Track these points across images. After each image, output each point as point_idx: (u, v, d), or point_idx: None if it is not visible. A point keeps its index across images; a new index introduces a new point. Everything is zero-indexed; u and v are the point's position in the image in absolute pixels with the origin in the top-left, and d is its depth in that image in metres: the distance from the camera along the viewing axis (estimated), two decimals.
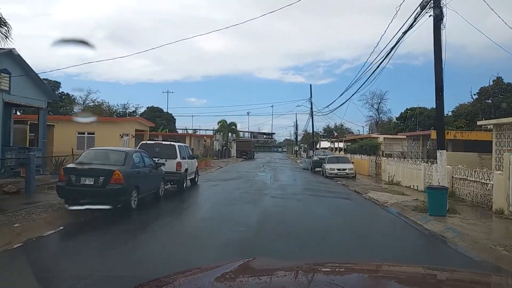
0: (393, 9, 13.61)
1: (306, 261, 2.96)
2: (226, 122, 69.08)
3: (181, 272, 2.04)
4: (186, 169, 16.15)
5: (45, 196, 12.25)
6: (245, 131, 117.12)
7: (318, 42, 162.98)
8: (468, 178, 14.40)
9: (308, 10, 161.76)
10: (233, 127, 71.32)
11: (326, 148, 50.35)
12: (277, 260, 3.35)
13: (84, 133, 28.36)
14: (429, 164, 18.33)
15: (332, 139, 58.69)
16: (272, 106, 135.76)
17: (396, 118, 60.31)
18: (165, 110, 64.02)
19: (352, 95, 31.91)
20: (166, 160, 15.09)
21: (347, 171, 25.15)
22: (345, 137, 54.95)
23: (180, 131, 61.54)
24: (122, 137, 29.03)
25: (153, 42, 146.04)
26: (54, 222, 9.02)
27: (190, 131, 67.31)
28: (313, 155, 33.46)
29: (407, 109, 57.47)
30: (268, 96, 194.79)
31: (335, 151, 47.78)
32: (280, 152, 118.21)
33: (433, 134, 25.75)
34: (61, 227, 8.59)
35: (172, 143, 15.77)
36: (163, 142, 15.71)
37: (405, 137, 33.98)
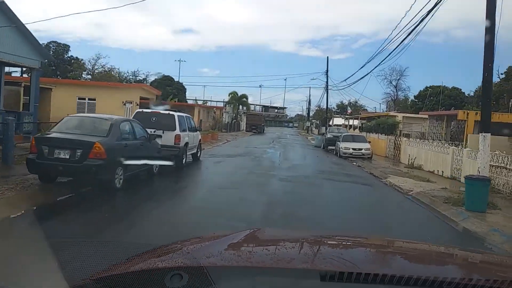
0: None
1: (313, 233, 2.78)
2: (237, 94, 67.24)
3: (187, 240, 2.04)
4: (187, 143, 14.48)
5: (23, 168, 10.68)
6: (256, 104, 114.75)
7: (335, 15, 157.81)
8: (508, 166, 12.53)
9: None
10: (244, 99, 69.47)
11: (340, 125, 48.31)
12: (284, 231, 3.26)
13: (84, 99, 26.84)
14: (459, 148, 16.41)
15: (346, 116, 56.46)
16: (285, 79, 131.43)
17: (414, 96, 58.29)
18: (176, 79, 62.44)
19: (374, 68, 29.93)
20: (163, 132, 13.44)
21: (363, 151, 23.30)
22: (360, 114, 52.75)
23: (191, 102, 59.77)
24: (125, 104, 27.42)
25: (167, 7, 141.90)
26: (16, 204, 7.48)
27: (200, 102, 65.49)
28: (326, 132, 31.52)
29: (426, 87, 55.36)
30: (283, 69, 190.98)
31: (349, 128, 45.73)
32: (291, 127, 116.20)
33: (461, 115, 23.66)
34: (22, 212, 7.03)
35: (171, 112, 14.01)
36: (161, 111, 13.95)
37: (426, 116, 31.77)
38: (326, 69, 45.67)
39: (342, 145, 24.00)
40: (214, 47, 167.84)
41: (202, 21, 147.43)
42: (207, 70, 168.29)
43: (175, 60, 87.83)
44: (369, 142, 24.89)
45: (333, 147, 27.74)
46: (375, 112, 53.89)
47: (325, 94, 45.92)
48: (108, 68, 52.32)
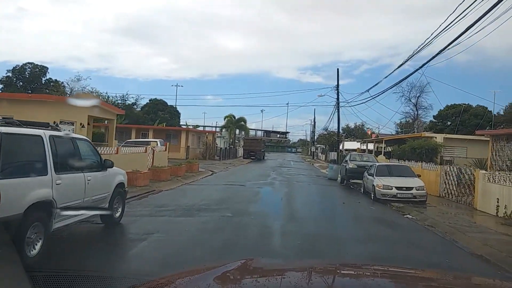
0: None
1: (307, 263, 2.79)
2: (234, 117, 59.38)
3: (177, 274, 1.95)
4: (50, 204, 5.85)
5: None
6: (258, 129, 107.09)
7: (337, 42, 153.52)
8: None
9: (327, 9, 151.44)
10: (242, 123, 61.54)
11: (354, 150, 39.74)
12: (279, 262, 3.41)
13: None
14: None
15: (364, 139, 47.65)
16: (287, 104, 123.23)
17: (433, 116, 51.09)
18: (170, 104, 57.59)
19: (401, 81, 21.37)
20: None
21: (413, 191, 14.62)
22: (377, 136, 44.19)
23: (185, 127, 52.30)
24: (57, 125, 19.09)
25: (172, 40, 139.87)
26: None
27: (191, 126, 57.46)
28: (347, 161, 22.64)
29: (447, 106, 48.89)
30: (285, 95, 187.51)
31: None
32: (294, 152, 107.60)
33: None
34: None
35: None
36: None
37: (486, 137, 22.97)
38: (336, 83, 37.21)
39: (378, 181, 15.29)
40: (217, 76, 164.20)
41: (205, 51, 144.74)
42: (210, 97, 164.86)
43: (172, 85, 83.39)
44: (419, 175, 16.22)
45: (358, 181, 19.34)
46: (399, 134, 45.52)
47: (336, 112, 37.18)
48: (88, 90, 44.91)
